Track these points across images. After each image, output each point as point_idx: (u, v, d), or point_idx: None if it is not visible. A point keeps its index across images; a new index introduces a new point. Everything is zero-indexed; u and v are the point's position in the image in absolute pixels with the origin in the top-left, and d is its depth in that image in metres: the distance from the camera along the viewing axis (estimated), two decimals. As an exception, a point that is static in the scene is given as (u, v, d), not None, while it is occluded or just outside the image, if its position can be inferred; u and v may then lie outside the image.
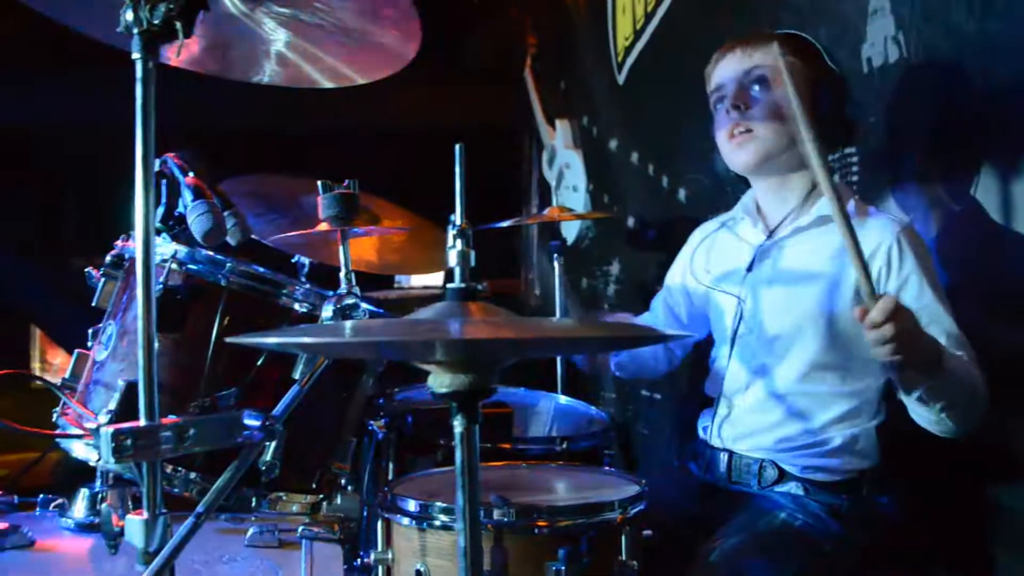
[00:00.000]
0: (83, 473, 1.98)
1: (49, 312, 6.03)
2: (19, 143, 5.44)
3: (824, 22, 2.40)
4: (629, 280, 3.95)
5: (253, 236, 2.35)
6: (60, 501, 1.98)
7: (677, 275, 2.27)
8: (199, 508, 1.32)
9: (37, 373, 6.98)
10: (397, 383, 2.66)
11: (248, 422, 1.40)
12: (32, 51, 4.60)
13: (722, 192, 2.90)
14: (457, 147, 1.17)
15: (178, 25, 1.26)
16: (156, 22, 1.25)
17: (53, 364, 7.28)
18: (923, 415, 1.72)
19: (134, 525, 1.28)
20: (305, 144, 5.53)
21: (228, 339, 1.06)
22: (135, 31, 1.26)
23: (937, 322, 1.78)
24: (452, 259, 1.19)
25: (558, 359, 3.13)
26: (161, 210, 1.92)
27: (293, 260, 2.24)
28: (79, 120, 5.35)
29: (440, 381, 1.14)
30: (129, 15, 1.26)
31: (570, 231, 4.49)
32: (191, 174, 1.73)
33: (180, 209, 1.72)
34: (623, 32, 3.81)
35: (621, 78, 3.86)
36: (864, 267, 1.53)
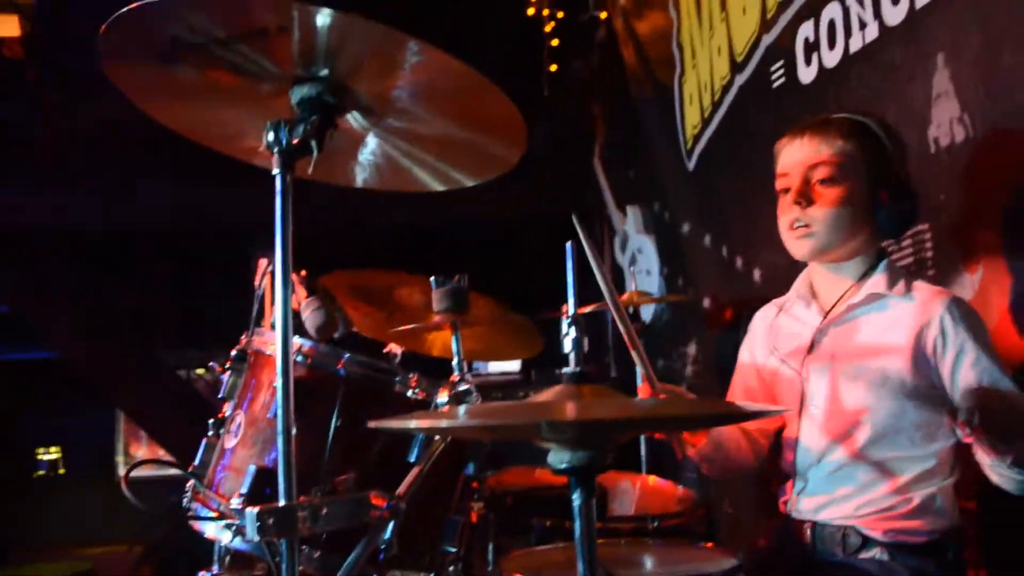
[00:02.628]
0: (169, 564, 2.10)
1: (138, 406, 6.23)
2: (112, 244, 5.73)
3: (890, 107, 2.50)
4: (706, 361, 4.01)
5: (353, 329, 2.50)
6: (180, 584, 2.07)
7: (746, 359, 2.34)
8: (335, 581, 1.42)
9: (123, 465, 7.18)
10: (487, 467, 2.75)
11: (375, 501, 1.50)
12: (129, 156, 4.87)
13: (797, 271, 2.98)
14: (568, 245, 1.29)
15: (313, 143, 1.41)
16: (295, 141, 1.39)
17: (135, 456, 7.48)
18: (1002, 474, 1.79)
19: (276, 599, 1.38)
20: (381, 238, 5.70)
21: (372, 423, 1.16)
22: (275, 150, 1.41)
23: (996, 383, 1.87)
24: (567, 345, 1.29)
25: (641, 439, 3.19)
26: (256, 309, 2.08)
27: (384, 351, 2.36)
28: (168, 224, 5.63)
29: (560, 457, 1.24)
30: (271, 135, 1.40)
31: (645, 314, 4.56)
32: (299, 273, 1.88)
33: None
34: (691, 121, 3.95)
35: (691, 164, 3.98)
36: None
